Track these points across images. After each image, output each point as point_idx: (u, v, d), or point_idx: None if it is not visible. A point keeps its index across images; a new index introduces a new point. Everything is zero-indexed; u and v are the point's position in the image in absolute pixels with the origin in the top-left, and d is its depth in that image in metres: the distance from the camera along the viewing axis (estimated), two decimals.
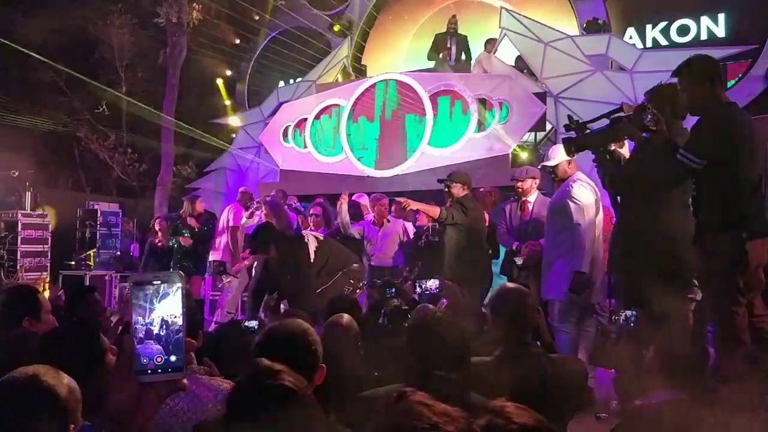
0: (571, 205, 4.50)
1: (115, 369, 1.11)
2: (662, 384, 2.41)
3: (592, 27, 9.78)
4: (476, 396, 1.94)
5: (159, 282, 1.12)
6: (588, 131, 3.81)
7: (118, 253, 10.66)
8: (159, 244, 8.08)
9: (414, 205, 5.51)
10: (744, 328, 3.23)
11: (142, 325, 1.10)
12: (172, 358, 1.11)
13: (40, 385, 1.59)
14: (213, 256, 7.94)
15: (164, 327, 1.11)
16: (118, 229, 11.00)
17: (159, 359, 1.10)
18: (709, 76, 3.36)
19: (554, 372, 2.33)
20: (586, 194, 4.48)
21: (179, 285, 1.13)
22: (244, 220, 7.64)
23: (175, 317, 1.12)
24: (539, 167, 5.54)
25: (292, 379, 1.48)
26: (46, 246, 10.13)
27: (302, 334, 1.98)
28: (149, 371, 1.09)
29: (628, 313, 3.25)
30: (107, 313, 4.73)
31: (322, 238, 5.55)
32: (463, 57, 10.19)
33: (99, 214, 10.69)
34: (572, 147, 3.86)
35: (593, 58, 8.56)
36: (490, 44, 9.65)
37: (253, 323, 3.55)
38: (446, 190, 5.56)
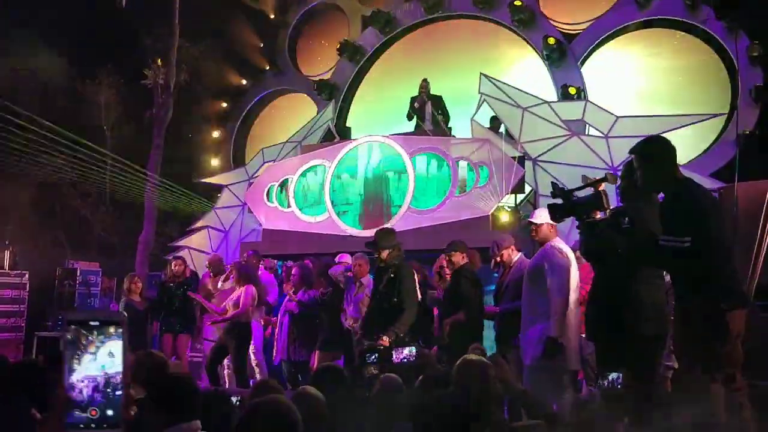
0: (548, 269, 4.56)
1: (46, 421, 1.00)
2: None
3: (568, 93, 10.09)
4: None
5: (98, 323, 0.97)
6: (574, 198, 3.92)
7: None
8: (137, 303, 7.96)
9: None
10: (718, 401, 3.22)
11: (77, 372, 0.95)
12: (109, 412, 0.96)
13: None
14: None
15: (102, 376, 0.96)
16: (97, 288, 10.89)
17: (93, 412, 0.96)
18: (666, 156, 3.45)
19: None
20: (561, 260, 4.54)
21: (122, 328, 0.98)
22: (219, 284, 7.65)
23: (115, 365, 0.97)
24: (524, 222, 5.65)
25: None
26: (22, 306, 9.97)
27: (285, 413, 2.00)
28: (81, 425, 0.95)
29: (614, 375, 3.24)
30: None
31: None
32: (441, 118, 10.36)
33: (78, 273, 10.59)
34: (557, 214, 3.94)
35: (570, 122, 8.82)
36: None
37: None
38: (447, 258, 5.68)
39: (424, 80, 10.31)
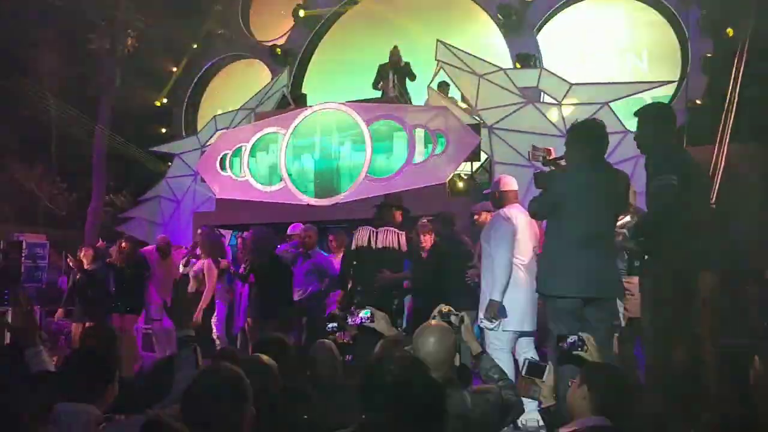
0: (493, 235, 4.70)
1: None
2: (588, 412, 2.45)
3: (523, 60, 10.11)
4: None
5: None
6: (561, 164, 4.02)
7: (44, 286, 10.20)
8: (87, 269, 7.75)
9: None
10: (681, 359, 3.32)
11: None
12: None
13: None
14: None
15: None
16: (45, 261, 10.53)
17: None
18: (667, 121, 3.63)
19: (473, 405, 2.40)
20: (505, 226, 4.64)
21: None
22: (181, 268, 7.51)
23: None
24: (484, 193, 5.76)
25: None
26: None
27: (232, 382, 1.97)
28: None
29: (573, 338, 3.27)
30: None
31: None
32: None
33: (24, 246, 10.22)
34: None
35: (525, 90, 8.85)
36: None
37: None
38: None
39: (395, 47, 10.20)
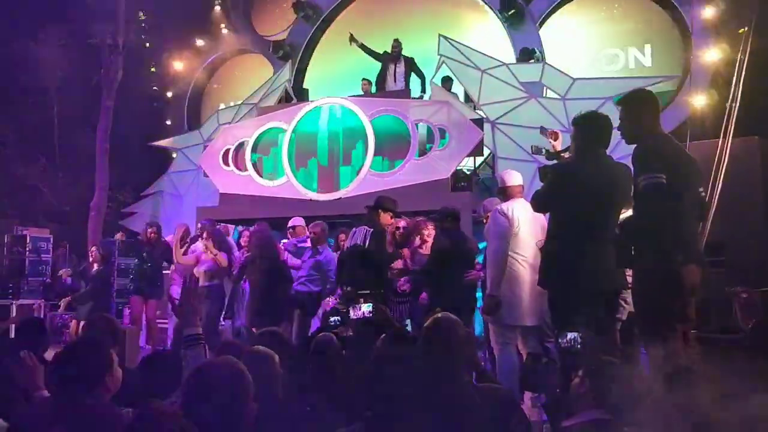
0: (490, 230, 4.73)
1: None
2: (590, 406, 2.47)
3: (526, 55, 10.09)
4: None
5: None
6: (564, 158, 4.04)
7: (48, 280, 10.25)
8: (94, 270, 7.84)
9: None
10: (679, 351, 3.32)
11: None
12: None
13: None
14: None
15: None
16: (48, 255, 10.59)
17: None
18: (651, 108, 3.50)
19: (481, 401, 2.39)
20: (501, 221, 4.62)
21: None
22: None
23: None
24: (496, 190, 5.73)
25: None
26: None
27: (234, 375, 1.98)
28: None
29: (573, 334, 3.26)
30: None
31: None
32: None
33: (28, 240, 10.27)
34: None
35: (528, 85, 8.84)
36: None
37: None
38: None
39: (396, 40, 10.23)
